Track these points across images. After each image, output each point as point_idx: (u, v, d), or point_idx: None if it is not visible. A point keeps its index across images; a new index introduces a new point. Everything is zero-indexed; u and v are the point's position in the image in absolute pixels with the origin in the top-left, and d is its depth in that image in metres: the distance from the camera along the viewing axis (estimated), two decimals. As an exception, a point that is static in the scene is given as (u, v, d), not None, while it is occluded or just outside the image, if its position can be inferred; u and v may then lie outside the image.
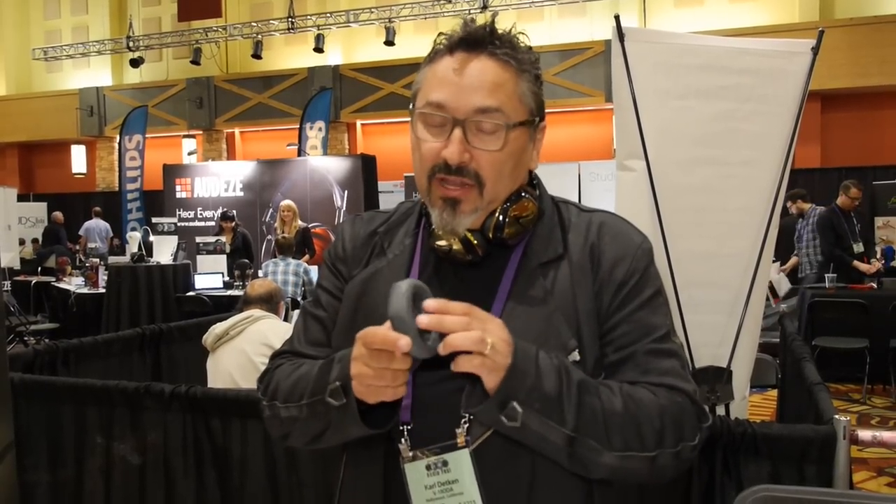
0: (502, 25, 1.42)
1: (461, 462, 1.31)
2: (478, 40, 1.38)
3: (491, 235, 1.41)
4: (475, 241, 1.40)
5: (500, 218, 1.40)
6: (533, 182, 1.52)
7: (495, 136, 1.36)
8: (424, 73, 1.42)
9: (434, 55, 1.42)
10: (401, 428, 1.35)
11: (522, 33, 1.44)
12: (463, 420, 1.32)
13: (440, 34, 1.42)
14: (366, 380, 1.26)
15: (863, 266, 8.48)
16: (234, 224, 10.83)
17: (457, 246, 1.40)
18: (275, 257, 8.79)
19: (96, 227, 16.72)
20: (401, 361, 1.22)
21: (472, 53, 1.37)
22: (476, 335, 1.20)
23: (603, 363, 1.40)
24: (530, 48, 1.44)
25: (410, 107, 1.43)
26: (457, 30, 1.41)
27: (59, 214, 17.07)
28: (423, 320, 1.19)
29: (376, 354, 1.23)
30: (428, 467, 1.32)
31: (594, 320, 1.40)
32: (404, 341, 1.19)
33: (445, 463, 1.31)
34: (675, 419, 1.35)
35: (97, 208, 17.32)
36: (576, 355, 1.36)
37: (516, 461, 1.33)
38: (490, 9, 15.70)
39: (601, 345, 1.40)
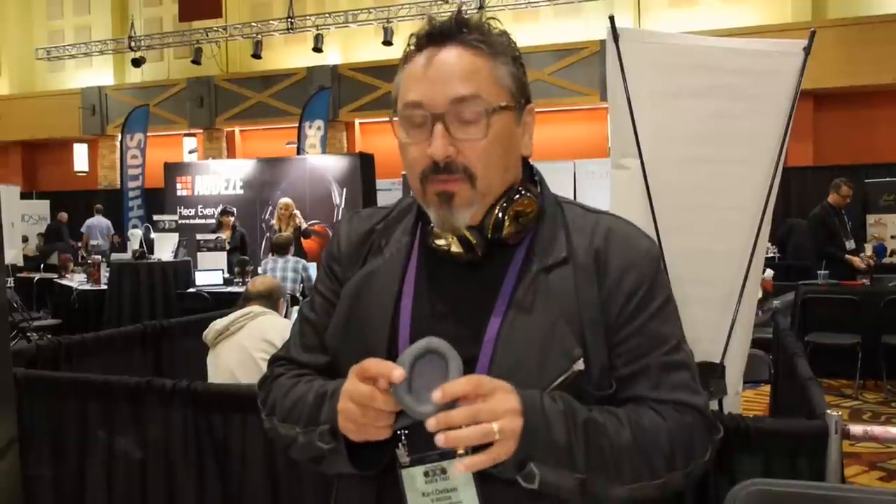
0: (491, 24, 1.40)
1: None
2: (445, 32, 1.34)
3: (489, 234, 1.35)
4: (474, 241, 1.35)
5: (499, 216, 1.35)
6: (534, 178, 1.47)
7: (477, 124, 1.31)
8: (399, 78, 1.38)
9: (406, 58, 1.38)
10: (398, 433, 1.29)
11: (494, 18, 1.40)
12: None
13: (411, 35, 1.39)
14: (350, 415, 1.24)
15: (855, 260, 8.52)
16: (233, 219, 10.89)
17: (455, 247, 1.36)
18: (273, 254, 8.81)
19: (97, 224, 16.75)
20: (384, 402, 1.20)
21: (441, 46, 1.34)
22: (482, 430, 1.16)
23: (612, 374, 1.35)
24: (504, 32, 1.39)
25: (392, 113, 1.39)
26: (423, 27, 1.37)
27: (63, 215, 17.13)
28: (430, 424, 1.15)
29: (363, 393, 1.21)
30: (426, 474, 1.28)
31: (601, 328, 1.35)
32: (399, 372, 1.17)
33: (444, 470, 1.27)
34: (685, 441, 1.33)
35: (98, 206, 17.33)
36: (580, 363, 1.31)
37: None
38: (486, 9, 15.72)
39: (611, 356, 1.35)
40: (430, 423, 1.15)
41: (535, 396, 1.24)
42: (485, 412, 1.16)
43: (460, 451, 1.24)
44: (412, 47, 1.37)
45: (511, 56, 1.38)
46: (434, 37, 1.35)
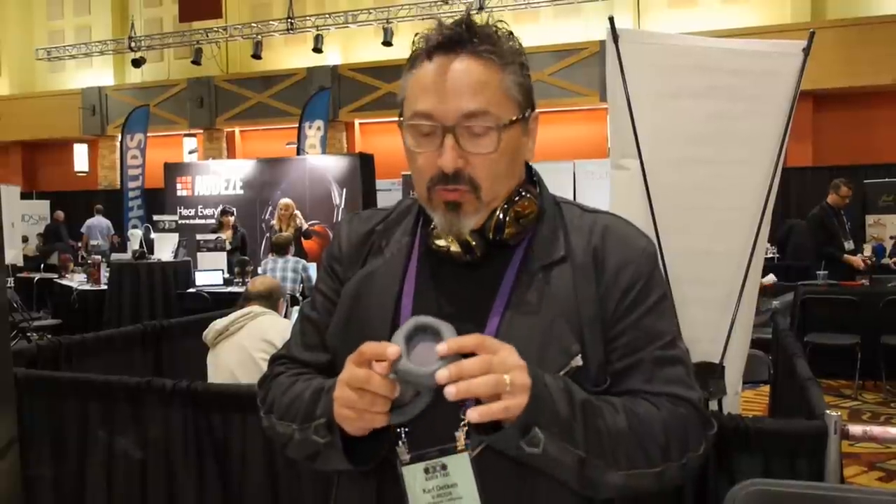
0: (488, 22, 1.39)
1: (460, 466, 1.27)
2: (455, 41, 1.33)
3: (491, 236, 1.37)
4: (473, 243, 1.36)
5: (501, 217, 1.37)
6: (533, 179, 1.49)
7: (487, 138, 1.32)
8: (407, 81, 1.38)
9: (414, 61, 1.37)
10: (398, 430, 1.30)
11: (501, 21, 1.39)
12: (462, 423, 1.28)
13: (417, 34, 1.38)
14: (347, 401, 1.24)
15: (854, 260, 8.54)
16: (233, 219, 10.90)
17: (455, 247, 1.37)
18: (273, 255, 8.82)
19: (98, 224, 16.77)
20: (380, 384, 1.20)
21: (452, 55, 1.33)
22: (494, 379, 1.16)
23: (608, 370, 1.37)
24: (510, 33, 1.39)
25: (399, 116, 1.39)
26: (433, 29, 1.36)
27: (60, 213, 17.14)
28: (441, 374, 1.14)
29: (359, 377, 1.21)
30: (426, 470, 1.28)
31: (598, 325, 1.36)
32: (393, 348, 1.17)
33: (444, 466, 1.27)
34: (680, 432, 1.33)
35: (98, 206, 17.35)
36: (579, 360, 1.32)
37: (517, 465, 1.27)
38: (486, 10, 15.73)
39: (606, 350, 1.37)
40: (442, 374, 1.14)
41: (537, 369, 1.24)
42: (496, 362, 1.17)
43: (460, 446, 1.27)
44: (420, 51, 1.37)
45: (519, 63, 1.38)
46: (444, 45, 1.34)
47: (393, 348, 1.18)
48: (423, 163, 1.35)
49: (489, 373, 1.16)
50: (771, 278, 7.83)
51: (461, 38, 1.34)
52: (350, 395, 1.23)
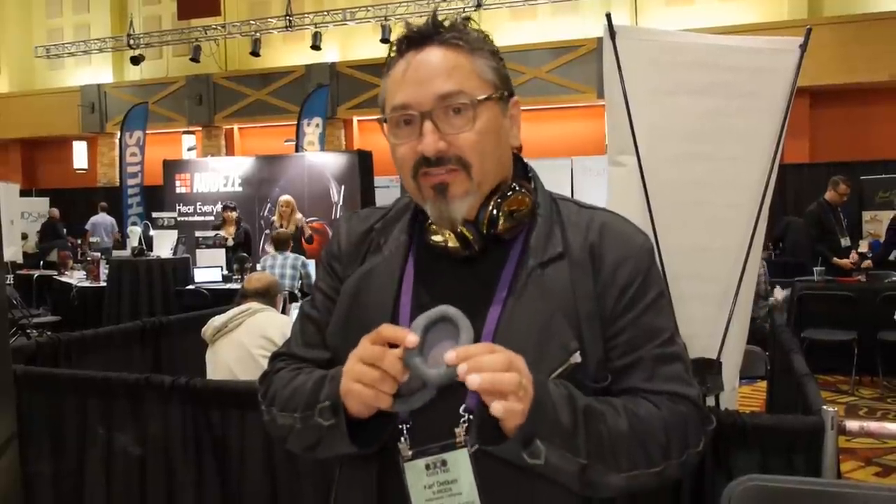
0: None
1: (460, 462, 1.28)
2: (423, 34, 1.38)
3: (485, 230, 1.37)
4: (471, 237, 1.37)
5: (494, 212, 1.37)
6: (528, 175, 1.49)
7: (464, 116, 1.34)
8: (384, 84, 1.42)
9: (389, 64, 1.42)
10: (400, 427, 1.32)
11: (469, 18, 1.44)
12: (462, 419, 1.29)
13: (391, 44, 1.42)
14: (356, 374, 1.25)
15: (843, 262, 8.52)
16: (236, 215, 10.89)
17: (452, 242, 1.38)
18: (273, 251, 8.81)
19: (102, 222, 16.82)
20: (391, 364, 1.22)
21: (421, 48, 1.37)
22: (516, 379, 1.18)
23: (608, 367, 1.38)
24: (480, 30, 1.42)
25: (380, 118, 1.43)
26: (402, 32, 1.41)
27: (55, 211, 17.13)
28: (462, 368, 1.16)
29: (373, 352, 1.23)
30: (427, 467, 1.29)
31: (597, 322, 1.36)
32: (412, 337, 1.20)
33: (444, 462, 1.28)
34: (680, 431, 1.35)
35: (103, 203, 17.34)
36: (577, 357, 1.32)
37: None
38: (484, 7, 15.73)
39: (605, 348, 1.37)
40: (461, 369, 1.16)
41: (541, 378, 1.26)
42: (517, 363, 1.20)
43: (459, 442, 1.27)
44: (393, 53, 1.41)
45: (489, 50, 1.41)
46: (413, 40, 1.38)
47: (412, 337, 1.20)
48: (406, 153, 1.37)
49: (511, 371, 1.18)
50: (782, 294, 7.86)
51: (429, 32, 1.38)
52: (361, 368, 1.25)
